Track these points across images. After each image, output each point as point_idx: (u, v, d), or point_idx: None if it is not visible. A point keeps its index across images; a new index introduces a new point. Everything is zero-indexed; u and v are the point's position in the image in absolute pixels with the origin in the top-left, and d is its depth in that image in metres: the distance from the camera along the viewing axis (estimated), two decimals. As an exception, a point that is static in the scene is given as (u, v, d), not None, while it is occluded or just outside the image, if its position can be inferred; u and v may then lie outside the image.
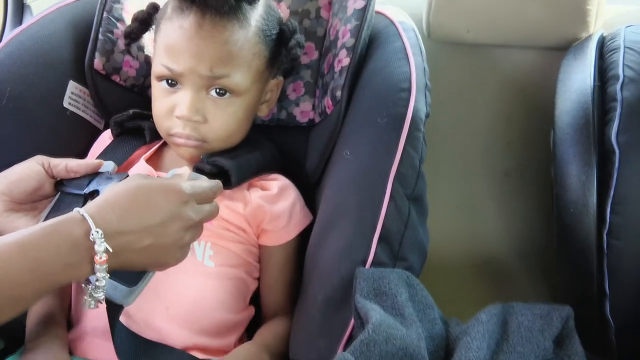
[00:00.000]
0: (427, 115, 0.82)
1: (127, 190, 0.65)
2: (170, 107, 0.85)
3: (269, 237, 0.90)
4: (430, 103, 0.83)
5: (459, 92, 1.19)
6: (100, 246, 0.59)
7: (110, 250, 0.60)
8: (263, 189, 0.90)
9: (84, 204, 0.77)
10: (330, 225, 0.82)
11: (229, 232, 0.88)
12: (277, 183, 0.91)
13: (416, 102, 0.81)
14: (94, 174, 0.83)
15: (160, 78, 0.86)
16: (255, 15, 0.85)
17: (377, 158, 0.79)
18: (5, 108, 0.88)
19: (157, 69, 0.86)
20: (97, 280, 0.61)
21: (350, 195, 0.81)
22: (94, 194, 0.80)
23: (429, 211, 0.82)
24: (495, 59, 1.18)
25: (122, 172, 0.86)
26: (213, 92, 0.84)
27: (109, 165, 0.84)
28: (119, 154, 0.92)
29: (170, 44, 0.83)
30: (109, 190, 0.66)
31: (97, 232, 0.59)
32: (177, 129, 0.86)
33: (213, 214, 0.72)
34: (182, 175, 0.74)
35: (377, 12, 0.96)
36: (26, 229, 0.59)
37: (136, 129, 0.95)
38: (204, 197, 0.70)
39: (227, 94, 0.84)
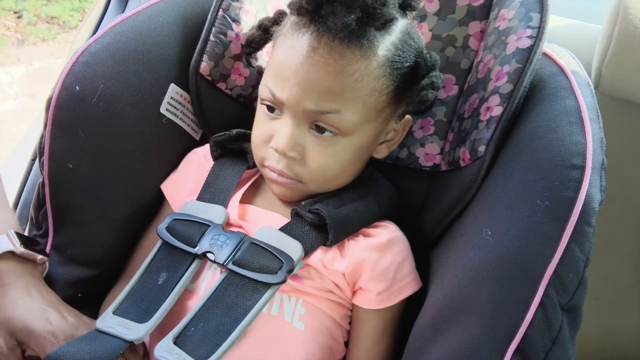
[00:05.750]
0: (600, 204, 0.63)
1: None
2: (267, 135, 0.75)
3: (365, 297, 0.76)
4: (605, 187, 0.64)
5: (622, 158, 0.98)
6: None
7: None
8: (367, 236, 0.77)
9: (190, 264, 0.73)
10: (449, 318, 0.66)
11: (324, 291, 0.75)
12: (387, 232, 0.78)
13: (590, 187, 0.62)
14: (205, 226, 0.75)
15: (263, 101, 0.75)
16: (386, 43, 0.71)
17: (529, 251, 0.62)
18: (95, 107, 0.77)
19: (261, 90, 0.75)
20: None
21: (484, 287, 0.64)
22: (205, 256, 0.73)
23: (582, 324, 0.64)
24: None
25: (232, 220, 0.78)
26: (315, 128, 0.72)
27: (220, 215, 0.77)
28: (225, 185, 0.81)
29: (278, 65, 0.72)
30: None
31: None
32: (270, 162, 0.75)
33: None
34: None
35: (542, 53, 0.77)
36: None
37: (238, 150, 0.84)
38: None
39: (331, 132, 0.72)
